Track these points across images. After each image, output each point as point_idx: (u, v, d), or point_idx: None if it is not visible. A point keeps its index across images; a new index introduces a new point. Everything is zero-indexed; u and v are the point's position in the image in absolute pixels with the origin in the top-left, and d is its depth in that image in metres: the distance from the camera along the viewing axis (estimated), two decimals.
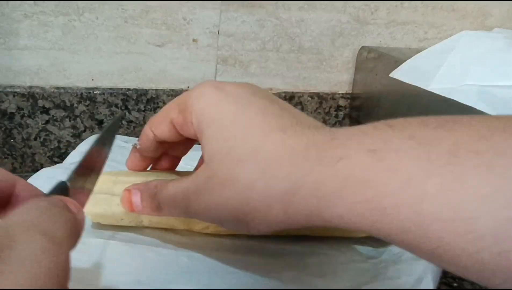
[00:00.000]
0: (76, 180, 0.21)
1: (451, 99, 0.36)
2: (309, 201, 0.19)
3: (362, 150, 0.18)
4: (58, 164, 0.42)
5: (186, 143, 0.29)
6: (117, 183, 0.29)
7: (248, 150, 0.21)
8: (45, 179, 0.35)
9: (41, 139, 0.48)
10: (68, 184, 0.21)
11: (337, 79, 0.56)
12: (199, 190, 0.22)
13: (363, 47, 0.54)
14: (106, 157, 0.26)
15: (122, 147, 0.43)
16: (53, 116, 0.48)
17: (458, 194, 0.16)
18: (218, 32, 0.50)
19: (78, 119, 0.49)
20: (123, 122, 0.50)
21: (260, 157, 0.20)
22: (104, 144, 0.26)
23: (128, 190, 0.27)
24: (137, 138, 0.29)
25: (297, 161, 0.20)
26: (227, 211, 0.22)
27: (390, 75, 0.45)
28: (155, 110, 0.50)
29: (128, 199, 0.27)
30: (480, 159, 0.16)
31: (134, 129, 0.51)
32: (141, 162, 0.29)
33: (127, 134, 0.50)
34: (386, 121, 0.19)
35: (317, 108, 0.56)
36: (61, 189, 0.20)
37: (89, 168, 0.24)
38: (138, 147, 0.28)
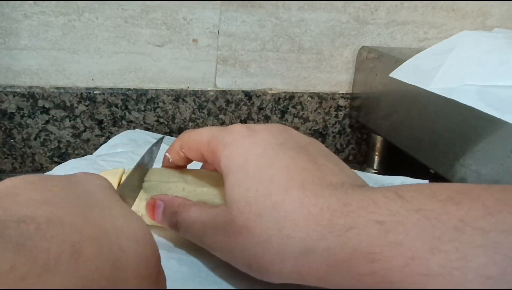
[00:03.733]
0: (123, 191, 0.25)
1: (451, 99, 0.36)
2: (320, 267, 0.20)
3: (371, 221, 0.19)
4: (86, 156, 0.42)
5: None
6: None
7: (268, 205, 0.21)
8: (70, 168, 0.38)
9: (41, 139, 0.48)
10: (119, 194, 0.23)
11: (337, 79, 0.56)
12: (217, 230, 0.23)
13: (363, 47, 0.54)
14: (144, 175, 0.29)
15: (151, 143, 0.45)
16: (53, 116, 0.48)
17: (462, 273, 0.16)
18: (218, 32, 0.50)
19: (78, 119, 0.49)
20: (123, 122, 0.50)
21: (278, 215, 0.21)
22: (145, 163, 0.30)
23: (154, 199, 0.28)
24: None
25: (311, 224, 0.20)
26: (241, 257, 0.23)
27: (390, 75, 0.45)
28: (155, 110, 0.50)
29: (152, 207, 0.27)
30: (486, 238, 0.16)
31: (134, 129, 0.51)
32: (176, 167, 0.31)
33: None
34: (398, 189, 0.20)
35: (317, 108, 0.56)
36: None
37: (134, 183, 0.27)
38: (170, 161, 0.30)
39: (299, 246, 0.20)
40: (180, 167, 0.30)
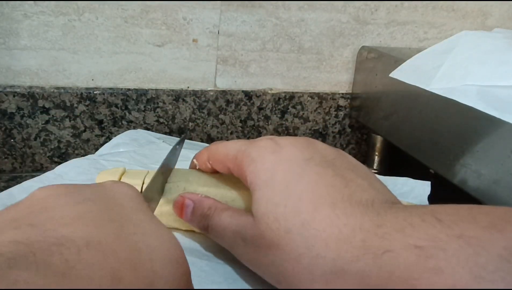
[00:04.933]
0: (148, 193, 0.25)
1: (451, 99, 0.36)
2: (352, 288, 0.19)
3: (409, 245, 0.18)
4: (88, 155, 0.42)
5: None
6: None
7: (297, 222, 0.21)
8: (72, 167, 0.38)
9: (41, 139, 0.48)
10: (144, 196, 0.23)
11: (337, 79, 0.56)
12: (247, 242, 0.23)
13: (363, 47, 0.54)
14: (168, 175, 0.29)
15: (153, 142, 0.45)
16: (53, 116, 0.48)
17: None
18: (218, 32, 0.50)
19: (78, 119, 0.49)
20: (123, 122, 0.50)
21: (307, 233, 0.21)
22: (171, 163, 0.30)
23: (183, 197, 0.28)
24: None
25: (343, 245, 0.20)
26: (269, 272, 0.23)
27: (390, 75, 0.45)
28: (155, 110, 0.50)
29: (181, 205, 0.27)
30: None
31: (134, 129, 0.51)
32: None
33: None
34: (435, 211, 0.19)
35: (317, 108, 0.56)
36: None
37: (158, 185, 0.27)
38: (197, 167, 0.31)
39: (330, 266, 0.20)
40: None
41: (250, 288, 0.25)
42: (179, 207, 0.28)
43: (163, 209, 0.29)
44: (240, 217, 0.25)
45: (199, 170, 0.31)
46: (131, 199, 0.19)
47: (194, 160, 0.31)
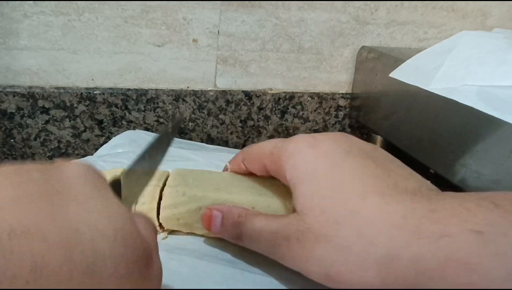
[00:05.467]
0: (129, 178, 0.22)
1: (451, 99, 0.36)
2: (407, 274, 0.19)
3: (466, 230, 0.18)
4: (87, 156, 0.42)
5: None
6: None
7: (345, 212, 0.21)
8: None
9: (41, 139, 0.48)
10: (122, 181, 0.21)
11: (337, 79, 0.56)
12: (290, 239, 0.23)
13: (363, 47, 0.54)
14: (162, 157, 0.27)
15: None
16: (53, 116, 0.48)
17: None
18: (218, 32, 0.50)
19: (78, 119, 0.49)
20: (123, 122, 0.50)
21: (357, 221, 0.21)
22: (161, 146, 0.27)
23: (210, 209, 0.27)
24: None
25: (395, 231, 0.20)
26: (318, 266, 0.22)
27: (390, 75, 0.45)
28: (155, 110, 0.50)
29: (208, 217, 0.27)
30: None
31: (134, 129, 0.51)
32: None
33: None
34: (491, 197, 0.19)
35: (317, 108, 0.56)
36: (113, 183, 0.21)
37: (145, 167, 0.25)
38: (229, 171, 0.30)
39: (383, 252, 0.20)
40: None
41: (251, 288, 0.25)
42: (207, 220, 0.27)
43: (164, 214, 0.29)
44: (277, 218, 0.24)
45: (202, 171, 0.31)
46: (81, 177, 0.18)
47: (227, 164, 0.31)
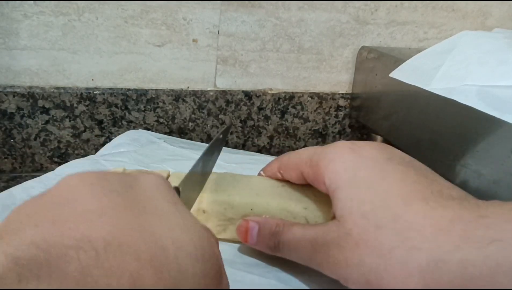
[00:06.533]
0: (186, 185, 0.23)
1: (451, 99, 0.36)
2: (453, 280, 0.18)
3: None
4: (89, 155, 0.42)
5: None
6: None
7: (388, 216, 0.21)
8: (72, 168, 0.38)
9: (41, 139, 0.48)
10: (180, 189, 0.22)
11: (337, 79, 0.56)
12: (329, 245, 0.23)
13: (363, 47, 0.54)
14: (213, 164, 0.28)
15: (154, 142, 0.45)
16: (53, 116, 0.48)
17: None
18: (218, 32, 0.50)
19: (78, 119, 0.48)
20: (123, 122, 0.50)
21: (400, 226, 0.20)
22: (213, 153, 0.28)
23: (246, 220, 0.27)
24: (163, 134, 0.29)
25: (441, 235, 0.19)
26: (358, 272, 0.21)
27: (390, 75, 0.45)
28: (155, 110, 0.50)
29: (245, 229, 0.27)
30: None
31: (134, 129, 0.51)
32: None
33: None
34: None
35: (317, 108, 0.56)
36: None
37: (198, 176, 0.25)
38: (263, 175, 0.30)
39: (427, 257, 0.19)
40: None
41: (250, 288, 0.25)
42: (243, 231, 0.27)
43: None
44: (315, 226, 0.24)
45: (218, 174, 0.31)
46: (158, 189, 0.19)
47: (261, 172, 0.31)
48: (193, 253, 0.16)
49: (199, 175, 0.26)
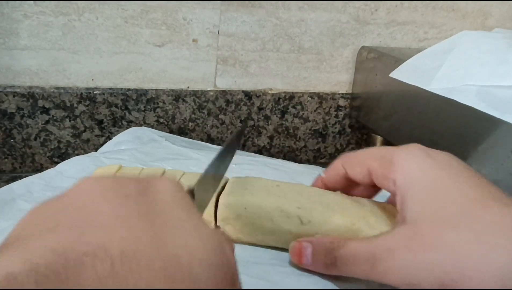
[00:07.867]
0: (200, 186, 0.23)
1: (451, 99, 0.36)
2: None
3: None
4: (91, 153, 0.42)
5: (372, 188, 0.30)
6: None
7: (463, 218, 0.21)
8: (73, 165, 0.38)
9: (41, 139, 0.48)
10: (195, 190, 0.21)
11: (337, 79, 0.56)
12: (396, 248, 0.22)
13: (363, 47, 0.54)
14: (228, 165, 0.27)
15: (155, 141, 0.45)
16: (53, 116, 0.48)
17: None
18: (218, 32, 0.50)
19: (78, 119, 0.49)
20: (123, 122, 0.50)
21: (477, 227, 0.20)
22: (229, 153, 0.28)
23: (299, 242, 0.27)
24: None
25: None
26: (429, 274, 0.21)
27: (390, 75, 0.45)
28: (155, 110, 0.50)
29: (298, 251, 0.26)
30: None
31: None
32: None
33: None
34: None
35: (317, 108, 0.56)
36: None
37: (213, 176, 0.25)
38: (323, 176, 0.30)
39: (506, 258, 0.19)
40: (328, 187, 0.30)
41: (251, 288, 0.25)
42: (297, 253, 0.26)
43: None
44: (373, 237, 0.24)
45: (267, 181, 0.31)
46: (172, 195, 0.18)
47: (320, 173, 0.30)
48: (206, 260, 0.16)
49: (213, 178, 0.26)
